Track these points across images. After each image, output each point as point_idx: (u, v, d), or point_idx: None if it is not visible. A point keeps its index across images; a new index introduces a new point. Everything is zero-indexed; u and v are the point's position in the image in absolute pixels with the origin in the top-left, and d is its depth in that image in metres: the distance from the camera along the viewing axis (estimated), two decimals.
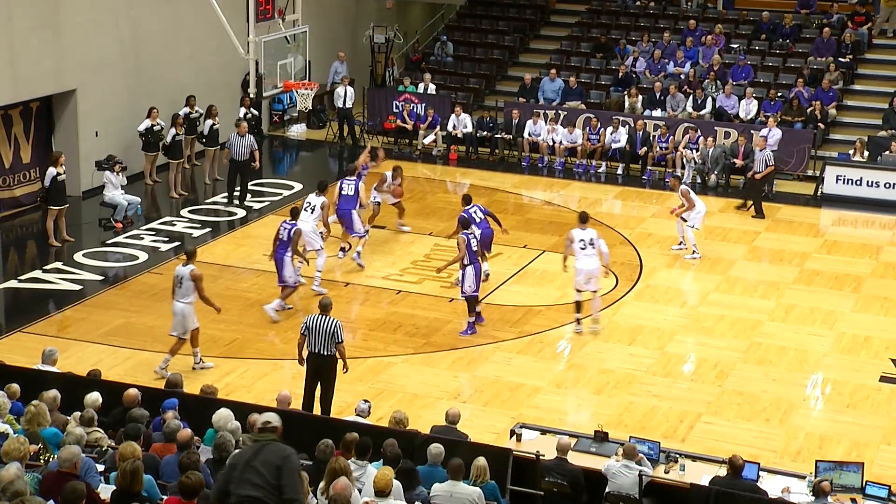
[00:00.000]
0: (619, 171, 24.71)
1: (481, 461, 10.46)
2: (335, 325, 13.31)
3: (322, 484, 9.46)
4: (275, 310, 16.71)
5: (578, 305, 16.51)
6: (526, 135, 25.30)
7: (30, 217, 21.08)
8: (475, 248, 16.29)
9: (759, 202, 22.17)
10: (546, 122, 25.22)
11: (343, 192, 18.44)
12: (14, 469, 8.58)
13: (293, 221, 16.66)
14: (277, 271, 16.67)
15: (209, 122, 23.33)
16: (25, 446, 9.36)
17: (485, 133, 25.94)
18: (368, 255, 18.96)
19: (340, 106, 26.41)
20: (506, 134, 25.78)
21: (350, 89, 26.34)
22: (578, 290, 16.43)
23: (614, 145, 24.80)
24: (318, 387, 13.49)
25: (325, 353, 13.33)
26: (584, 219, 16.64)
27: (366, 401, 12.25)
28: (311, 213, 17.63)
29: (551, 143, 25.02)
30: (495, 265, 18.92)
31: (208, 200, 22.45)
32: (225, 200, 22.19)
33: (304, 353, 13.48)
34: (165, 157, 22.74)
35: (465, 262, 16.03)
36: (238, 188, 21.92)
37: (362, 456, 10.31)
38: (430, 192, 23.34)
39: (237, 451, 8.96)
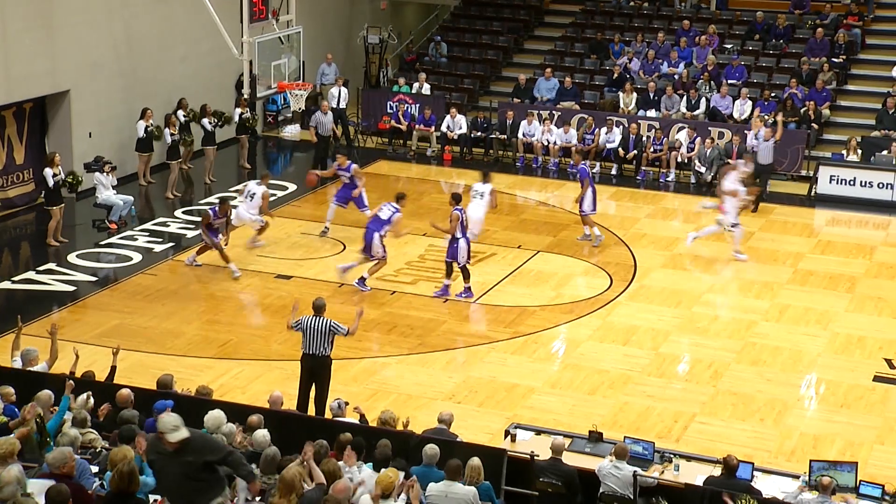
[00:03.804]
0: (614, 172, 24.74)
1: (476, 461, 10.45)
2: (330, 324, 13.29)
3: None
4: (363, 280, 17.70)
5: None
6: (520, 135, 25.29)
7: (23, 218, 21.03)
8: (465, 224, 17.69)
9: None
10: (541, 122, 25.22)
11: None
12: (15, 471, 8.51)
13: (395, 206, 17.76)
14: (365, 244, 17.64)
15: (205, 120, 23.32)
16: (14, 446, 9.30)
17: (479, 133, 25.95)
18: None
19: (334, 106, 26.37)
20: (500, 134, 25.79)
21: (344, 90, 26.32)
22: None
23: (608, 145, 24.82)
24: (314, 388, 13.49)
25: (320, 354, 13.33)
26: None
27: (348, 403, 12.28)
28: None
29: (546, 144, 25.03)
30: (490, 266, 18.94)
31: (202, 201, 22.40)
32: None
33: (292, 321, 13.43)
34: (165, 158, 22.70)
35: (458, 235, 17.37)
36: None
37: (356, 456, 10.30)
38: (424, 192, 23.32)
39: None
